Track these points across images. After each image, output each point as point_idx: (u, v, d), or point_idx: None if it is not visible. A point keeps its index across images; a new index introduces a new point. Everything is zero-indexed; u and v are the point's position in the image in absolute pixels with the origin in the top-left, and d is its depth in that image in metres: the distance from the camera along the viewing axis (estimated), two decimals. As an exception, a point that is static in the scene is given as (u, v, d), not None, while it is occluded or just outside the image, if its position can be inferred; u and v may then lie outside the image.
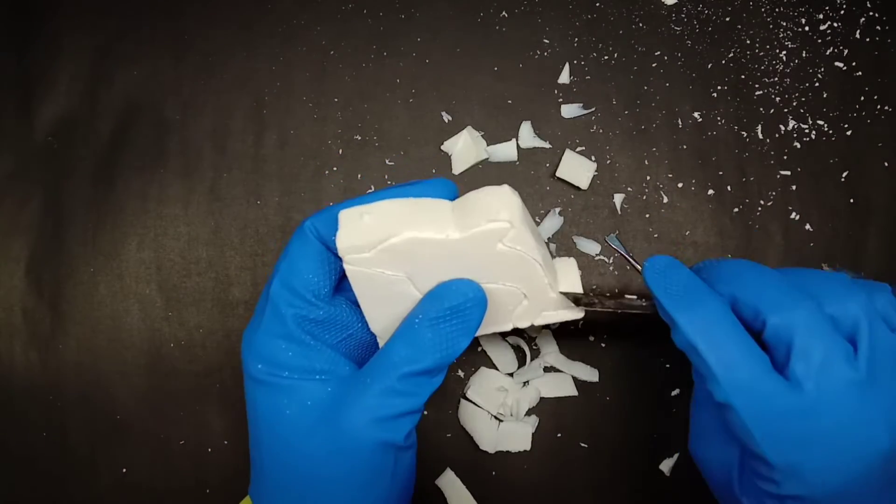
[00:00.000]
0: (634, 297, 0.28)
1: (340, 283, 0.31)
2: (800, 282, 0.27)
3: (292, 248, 0.29)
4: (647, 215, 0.42)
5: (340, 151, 0.43)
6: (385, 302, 0.29)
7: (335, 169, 0.43)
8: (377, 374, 0.28)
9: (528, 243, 0.28)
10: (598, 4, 0.43)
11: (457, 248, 0.28)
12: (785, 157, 0.42)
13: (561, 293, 0.30)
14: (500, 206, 0.28)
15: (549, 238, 0.42)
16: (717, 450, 0.29)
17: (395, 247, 0.27)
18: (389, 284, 0.29)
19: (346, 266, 0.28)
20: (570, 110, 0.42)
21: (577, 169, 0.42)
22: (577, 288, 0.31)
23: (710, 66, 0.43)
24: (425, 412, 0.41)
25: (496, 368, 0.41)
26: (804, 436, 0.24)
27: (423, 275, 0.29)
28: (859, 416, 0.24)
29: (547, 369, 0.41)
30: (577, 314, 0.31)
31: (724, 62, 0.43)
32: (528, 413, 0.41)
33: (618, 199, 0.42)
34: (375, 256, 0.28)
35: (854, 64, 0.43)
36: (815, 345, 0.24)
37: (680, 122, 0.42)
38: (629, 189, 0.42)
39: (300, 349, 0.28)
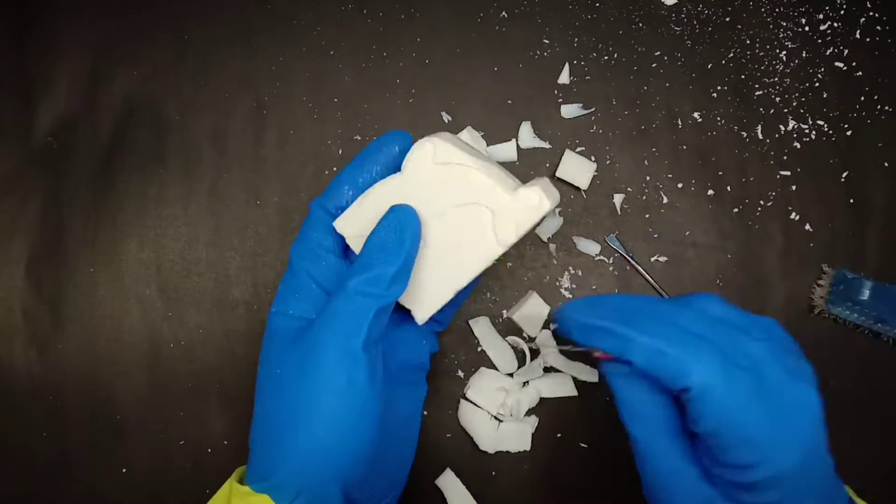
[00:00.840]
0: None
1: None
2: (656, 302, 0.29)
3: (307, 224, 0.34)
4: (647, 215, 0.42)
5: (340, 151, 0.43)
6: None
7: (335, 169, 0.43)
8: (339, 289, 0.31)
9: (455, 154, 0.31)
10: (597, 4, 0.43)
11: (406, 188, 0.32)
12: (785, 157, 0.42)
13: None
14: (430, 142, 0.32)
15: (548, 238, 0.42)
16: (683, 482, 0.29)
17: (454, 175, 0.32)
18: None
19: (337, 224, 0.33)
20: (570, 110, 0.42)
21: (577, 169, 0.42)
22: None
23: (710, 66, 0.43)
24: (425, 412, 0.41)
25: (496, 369, 0.41)
26: (768, 407, 0.26)
27: None
28: (788, 379, 0.27)
29: (547, 369, 0.41)
30: (547, 203, 0.32)
31: (724, 62, 0.43)
32: (528, 413, 0.41)
33: (618, 199, 0.42)
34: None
35: (854, 64, 0.43)
36: (723, 333, 0.27)
37: (680, 122, 0.42)
38: (629, 189, 0.42)
39: (301, 296, 0.32)
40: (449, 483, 0.40)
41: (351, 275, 0.30)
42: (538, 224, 0.33)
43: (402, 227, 0.31)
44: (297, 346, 0.31)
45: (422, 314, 0.33)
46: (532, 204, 0.31)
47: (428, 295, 0.33)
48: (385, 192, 0.32)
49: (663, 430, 0.29)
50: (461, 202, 0.32)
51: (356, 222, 0.32)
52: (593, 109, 0.43)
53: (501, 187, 0.31)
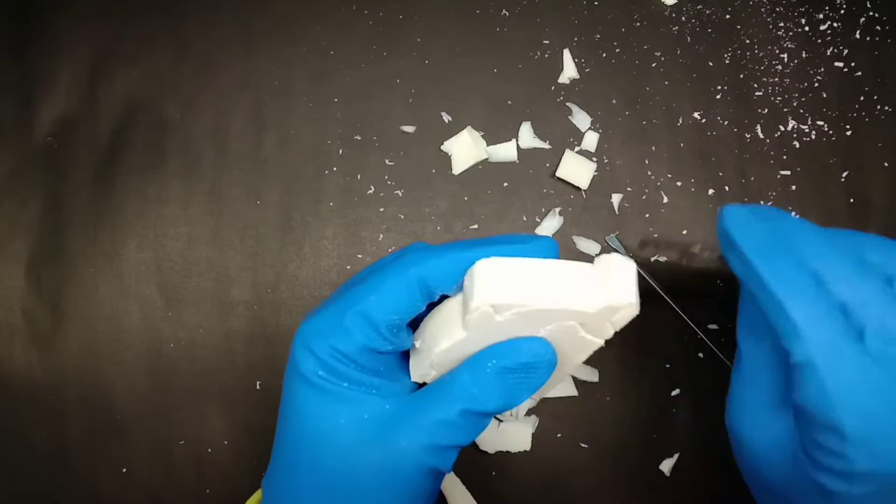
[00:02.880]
0: (697, 248, 0.27)
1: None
2: (855, 246, 0.26)
3: (387, 284, 0.28)
4: (647, 215, 0.42)
5: (340, 151, 0.43)
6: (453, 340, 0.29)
7: (335, 169, 0.43)
8: (439, 403, 0.28)
9: (515, 296, 0.26)
10: (597, 4, 0.43)
11: (471, 342, 0.28)
12: (785, 157, 0.42)
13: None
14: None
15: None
16: (766, 423, 0.27)
17: (533, 313, 0.27)
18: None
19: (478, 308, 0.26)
20: (575, 112, 0.43)
21: (577, 169, 0.42)
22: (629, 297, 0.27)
23: (710, 66, 0.43)
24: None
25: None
26: (879, 406, 0.24)
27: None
28: None
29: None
30: (634, 302, 0.27)
31: (724, 62, 0.43)
32: (528, 413, 0.41)
33: (617, 198, 0.42)
34: (506, 316, 0.27)
35: (854, 64, 0.43)
36: (888, 320, 0.24)
37: (680, 122, 0.42)
38: (629, 189, 0.42)
39: (358, 369, 0.28)
40: (449, 483, 0.40)
41: (466, 398, 0.27)
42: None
43: (533, 387, 0.28)
44: (379, 442, 0.27)
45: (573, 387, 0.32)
46: (624, 311, 0.27)
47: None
48: (446, 320, 0.28)
49: (769, 363, 0.27)
50: (546, 326, 0.28)
51: (419, 368, 0.29)
52: (599, 120, 0.43)
53: (583, 307, 0.26)
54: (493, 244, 0.28)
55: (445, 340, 0.28)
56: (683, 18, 0.43)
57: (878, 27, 0.43)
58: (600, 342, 0.29)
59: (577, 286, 0.26)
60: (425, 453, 0.27)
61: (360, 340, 0.27)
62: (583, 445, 0.41)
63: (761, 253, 0.25)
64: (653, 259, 0.42)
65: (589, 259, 0.42)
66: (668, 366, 0.41)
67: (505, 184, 0.42)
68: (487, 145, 0.42)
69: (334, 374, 0.28)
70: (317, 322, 0.28)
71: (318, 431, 0.28)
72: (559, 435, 0.41)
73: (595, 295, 0.26)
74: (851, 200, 0.42)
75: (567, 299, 0.26)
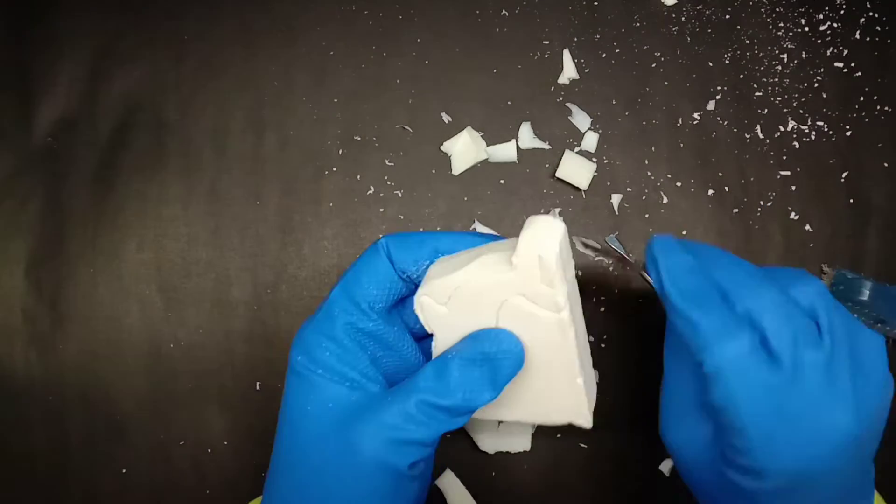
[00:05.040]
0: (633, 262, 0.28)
1: (402, 303, 0.32)
2: (761, 271, 0.28)
3: (361, 261, 0.30)
4: (647, 215, 0.42)
5: (340, 151, 0.43)
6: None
7: (335, 169, 0.43)
8: (399, 396, 0.28)
9: (447, 284, 0.28)
10: (597, 4, 0.43)
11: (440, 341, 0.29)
12: (785, 158, 0.42)
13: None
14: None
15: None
16: (689, 430, 0.29)
17: (460, 292, 0.28)
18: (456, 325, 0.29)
19: (418, 301, 0.29)
20: (580, 120, 0.43)
21: (576, 169, 0.42)
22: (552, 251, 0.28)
23: (710, 66, 0.43)
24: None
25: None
26: (780, 410, 0.25)
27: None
28: (827, 396, 0.26)
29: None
30: (583, 422, 0.30)
31: (724, 62, 0.43)
32: (528, 413, 0.41)
33: (617, 199, 0.42)
34: (449, 306, 0.28)
35: (854, 64, 0.43)
36: (785, 323, 0.26)
37: (680, 122, 0.42)
38: (629, 189, 0.42)
39: (340, 351, 0.29)
40: (449, 483, 0.40)
41: (424, 389, 0.27)
42: (564, 257, 0.28)
43: (495, 382, 0.28)
44: (338, 433, 0.28)
45: (584, 420, 0.30)
46: (532, 257, 0.26)
47: (564, 401, 0.30)
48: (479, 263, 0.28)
49: (693, 377, 0.29)
50: (496, 312, 0.28)
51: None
52: (598, 121, 0.43)
53: (502, 270, 0.27)
54: (452, 234, 0.30)
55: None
56: (683, 18, 0.43)
57: (878, 27, 0.43)
58: (557, 316, 0.28)
59: (498, 257, 0.28)
60: (380, 446, 0.27)
61: (340, 317, 0.29)
62: (582, 445, 0.41)
63: (675, 277, 0.27)
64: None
65: (587, 259, 0.42)
66: (667, 366, 0.41)
67: (505, 184, 0.42)
68: (487, 145, 0.42)
69: (312, 360, 0.28)
70: (310, 317, 0.30)
71: (291, 418, 0.29)
72: (559, 435, 0.41)
73: (512, 257, 0.27)
74: (851, 200, 0.42)
75: (481, 264, 0.27)
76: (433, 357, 0.30)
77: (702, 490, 0.30)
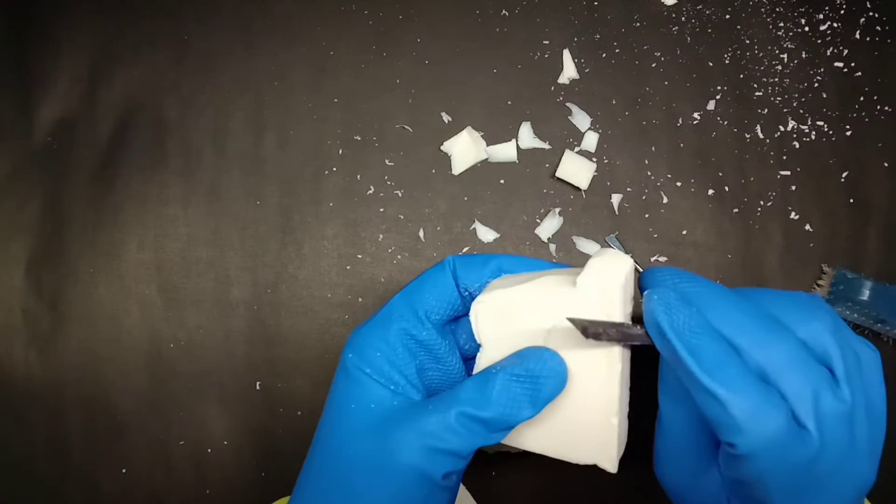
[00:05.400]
0: (636, 327, 0.27)
1: (457, 322, 0.32)
2: (764, 306, 0.26)
3: (426, 274, 0.31)
4: (647, 215, 0.42)
5: (340, 151, 0.43)
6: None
7: (335, 169, 0.43)
8: (440, 405, 0.28)
9: (508, 296, 0.28)
10: (597, 4, 0.43)
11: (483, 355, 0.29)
12: (785, 158, 0.42)
13: (569, 319, 0.27)
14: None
15: (548, 238, 0.42)
16: (692, 476, 0.29)
17: (515, 307, 0.28)
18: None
19: (474, 308, 0.30)
20: (574, 112, 0.43)
21: (576, 169, 0.42)
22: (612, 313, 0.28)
23: (710, 66, 0.43)
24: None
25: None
26: (810, 479, 0.25)
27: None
28: (851, 450, 0.25)
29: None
30: (614, 272, 0.27)
31: (724, 62, 0.43)
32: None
33: (617, 199, 0.42)
34: (502, 319, 0.29)
35: (854, 64, 0.43)
36: (805, 382, 0.24)
37: (680, 122, 0.42)
38: (629, 189, 0.42)
39: (390, 354, 0.29)
40: (449, 483, 0.40)
41: (465, 400, 0.27)
42: (621, 295, 0.27)
43: (536, 400, 0.27)
44: (376, 435, 0.28)
45: (610, 464, 0.29)
46: (596, 285, 0.26)
47: (595, 441, 0.29)
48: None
49: (696, 422, 0.28)
50: (547, 334, 0.28)
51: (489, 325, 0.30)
52: (598, 120, 0.43)
53: (562, 294, 0.27)
54: (518, 257, 0.31)
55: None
56: (683, 18, 0.43)
57: (878, 27, 0.43)
58: (607, 348, 0.27)
59: (560, 279, 0.28)
60: (416, 453, 0.27)
61: (396, 322, 0.29)
62: (583, 445, 0.41)
63: (691, 345, 0.25)
64: (653, 259, 0.42)
65: (587, 259, 0.42)
66: (667, 366, 0.41)
67: (505, 184, 0.42)
68: (487, 145, 0.42)
69: (362, 359, 0.29)
70: (368, 320, 0.31)
71: (333, 414, 0.29)
72: (559, 435, 0.41)
73: (578, 277, 0.27)
74: (851, 200, 0.42)
75: (547, 284, 0.27)
76: (475, 370, 0.30)
77: None
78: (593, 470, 0.41)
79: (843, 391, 0.25)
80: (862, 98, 0.42)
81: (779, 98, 0.43)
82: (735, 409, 0.24)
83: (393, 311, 0.30)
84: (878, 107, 0.42)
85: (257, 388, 0.42)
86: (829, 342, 0.25)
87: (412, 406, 0.28)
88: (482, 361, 0.30)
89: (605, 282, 0.26)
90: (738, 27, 0.43)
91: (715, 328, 0.25)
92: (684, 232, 0.42)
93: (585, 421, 0.29)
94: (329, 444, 0.29)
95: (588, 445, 0.29)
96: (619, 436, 0.29)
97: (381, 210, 0.42)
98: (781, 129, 0.42)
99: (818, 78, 0.43)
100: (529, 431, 0.29)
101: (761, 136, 0.42)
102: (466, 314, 0.31)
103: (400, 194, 0.42)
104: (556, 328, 0.28)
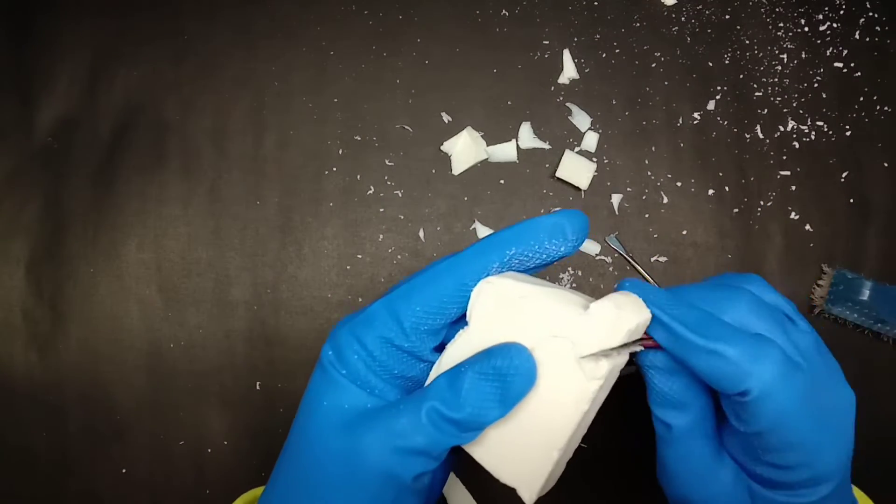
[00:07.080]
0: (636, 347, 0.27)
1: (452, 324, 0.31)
2: (710, 282, 0.29)
3: (419, 281, 0.28)
4: (647, 215, 0.42)
5: (340, 151, 0.43)
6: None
7: (335, 169, 0.43)
8: (409, 405, 0.27)
9: (516, 289, 0.27)
10: (597, 4, 0.43)
11: (475, 340, 0.28)
12: (785, 158, 0.42)
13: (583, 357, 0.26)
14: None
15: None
16: (710, 477, 0.29)
17: (521, 303, 0.27)
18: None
19: (479, 286, 0.27)
20: (574, 112, 0.43)
21: (576, 169, 0.42)
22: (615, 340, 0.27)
23: (710, 66, 0.43)
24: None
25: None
26: (818, 407, 0.26)
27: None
28: (830, 372, 0.27)
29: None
30: (627, 316, 0.27)
31: (723, 62, 0.43)
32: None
33: (617, 199, 0.42)
34: (501, 308, 0.28)
35: (853, 64, 0.43)
36: (775, 324, 0.27)
37: (680, 122, 0.42)
38: (629, 189, 0.42)
39: (368, 359, 0.28)
40: (449, 484, 0.40)
41: (434, 398, 0.26)
42: (628, 347, 0.27)
43: (504, 400, 0.27)
44: (346, 435, 0.27)
45: (529, 494, 0.28)
46: (608, 317, 0.26)
47: (527, 465, 0.28)
48: (457, 352, 0.28)
49: (699, 424, 0.29)
50: (536, 340, 0.27)
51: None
52: (598, 120, 0.43)
53: (570, 309, 0.26)
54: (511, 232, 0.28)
55: (450, 347, 0.28)
56: (683, 19, 0.43)
57: (877, 27, 0.43)
58: (591, 386, 0.26)
59: (573, 297, 0.27)
60: (386, 454, 0.26)
61: (378, 328, 0.28)
62: (583, 445, 0.41)
63: (684, 320, 0.27)
64: (653, 259, 0.42)
65: (587, 259, 0.42)
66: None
67: (505, 184, 0.42)
68: (487, 145, 0.42)
69: (339, 359, 0.28)
70: (350, 315, 0.29)
71: (306, 409, 0.29)
72: (559, 435, 0.41)
73: (585, 304, 0.26)
74: (851, 200, 0.42)
75: (557, 298, 0.27)
76: (450, 345, 0.29)
77: None
78: (593, 472, 0.41)
79: (802, 324, 0.28)
80: (862, 98, 0.42)
81: (779, 98, 0.43)
82: (737, 356, 0.25)
83: (375, 317, 0.28)
84: (878, 107, 0.42)
85: (257, 388, 0.42)
86: (769, 294, 0.29)
87: (384, 407, 0.28)
88: (459, 341, 0.28)
89: (617, 319, 0.26)
90: (738, 27, 0.43)
91: (694, 305, 0.27)
92: (684, 232, 0.42)
93: (528, 444, 0.28)
94: (300, 438, 0.29)
95: (518, 468, 0.28)
96: (551, 472, 0.28)
97: (381, 210, 0.42)
98: (781, 129, 0.42)
99: (818, 78, 0.43)
100: (480, 439, 0.29)
101: (761, 136, 0.42)
102: (461, 321, 0.29)
103: (400, 194, 0.42)
104: (547, 340, 0.27)
